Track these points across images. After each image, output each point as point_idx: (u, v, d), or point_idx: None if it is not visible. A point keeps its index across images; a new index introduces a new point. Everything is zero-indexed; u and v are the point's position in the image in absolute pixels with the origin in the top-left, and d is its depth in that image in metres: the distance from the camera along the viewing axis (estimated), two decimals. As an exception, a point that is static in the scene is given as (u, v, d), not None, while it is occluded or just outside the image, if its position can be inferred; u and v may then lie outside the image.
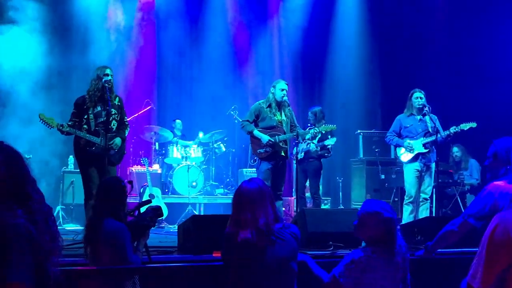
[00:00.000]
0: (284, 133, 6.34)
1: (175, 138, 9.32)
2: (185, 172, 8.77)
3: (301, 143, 7.17)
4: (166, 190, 8.90)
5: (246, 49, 10.75)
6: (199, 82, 10.66)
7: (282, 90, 6.36)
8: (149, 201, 4.07)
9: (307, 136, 6.94)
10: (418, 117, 6.50)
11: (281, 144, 6.30)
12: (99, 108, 5.36)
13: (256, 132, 6.36)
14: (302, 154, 7.31)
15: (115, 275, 3.18)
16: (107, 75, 5.37)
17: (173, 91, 10.62)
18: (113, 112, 5.38)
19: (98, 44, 9.18)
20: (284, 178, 6.53)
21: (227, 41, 10.73)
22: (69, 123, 5.31)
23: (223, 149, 9.52)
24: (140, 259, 3.45)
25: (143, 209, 3.78)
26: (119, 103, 5.52)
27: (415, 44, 10.52)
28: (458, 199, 8.32)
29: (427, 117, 6.37)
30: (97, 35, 9.24)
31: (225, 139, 9.70)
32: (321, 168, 7.63)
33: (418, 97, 6.47)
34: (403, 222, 6.29)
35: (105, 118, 5.33)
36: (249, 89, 10.72)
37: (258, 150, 6.35)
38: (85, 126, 5.31)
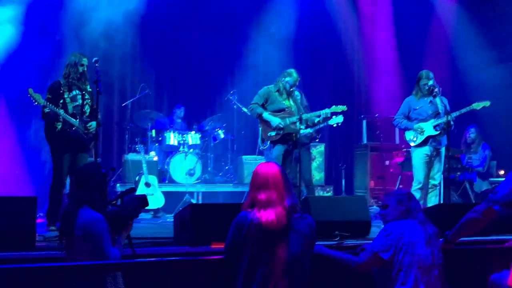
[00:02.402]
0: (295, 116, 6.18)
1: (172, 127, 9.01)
2: (182, 159, 8.44)
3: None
4: (163, 179, 8.57)
5: (246, 33, 10.35)
6: (197, 66, 10.28)
7: (293, 85, 6.27)
8: (133, 189, 3.72)
9: (316, 120, 6.59)
10: (428, 99, 6.14)
11: (292, 126, 6.11)
12: (74, 92, 5.39)
13: (265, 115, 6.19)
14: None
15: (90, 271, 2.87)
16: (83, 65, 5.43)
17: (170, 76, 10.22)
18: (86, 97, 5.45)
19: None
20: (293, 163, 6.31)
21: (226, 25, 10.36)
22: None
23: (222, 135, 9.19)
24: (120, 253, 3.12)
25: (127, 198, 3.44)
26: (91, 90, 5.55)
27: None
28: (467, 185, 8.01)
29: (437, 99, 6.02)
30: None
31: (224, 125, 9.37)
32: (311, 152, 7.61)
33: (425, 83, 6.11)
34: (412, 209, 5.97)
35: (80, 102, 5.37)
36: (248, 74, 10.37)
37: (269, 133, 6.17)
38: (61, 110, 5.26)
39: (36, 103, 5.20)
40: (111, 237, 3.05)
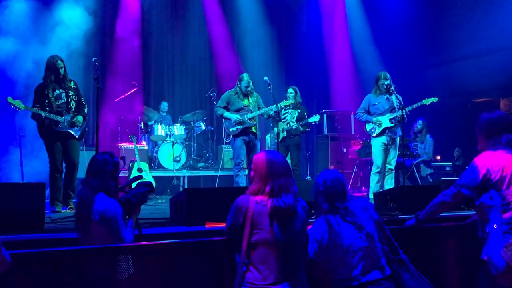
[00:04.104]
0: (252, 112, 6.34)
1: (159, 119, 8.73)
2: (169, 148, 8.25)
3: (281, 122, 6.97)
4: (153, 165, 8.31)
5: (225, 35, 10.10)
6: (181, 67, 10.00)
7: (246, 87, 6.33)
8: (139, 177, 3.49)
9: (271, 113, 6.52)
10: (385, 96, 6.10)
11: (249, 121, 6.25)
12: (57, 92, 5.15)
13: (226, 114, 6.36)
14: (285, 132, 7.12)
15: (109, 253, 2.66)
16: (60, 67, 5.14)
17: (157, 74, 9.89)
18: (70, 94, 5.23)
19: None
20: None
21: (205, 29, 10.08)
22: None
23: (203, 127, 8.98)
24: (132, 235, 2.91)
25: (134, 185, 3.22)
26: (74, 86, 5.33)
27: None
28: (414, 169, 8.04)
29: (393, 96, 5.98)
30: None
31: (205, 118, 9.15)
32: (301, 143, 7.56)
33: (383, 83, 6.05)
34: (373, 190, 5.94)
35: (65, 100, 5.17)
36: (227, 74, 10.15)
37: (230, 129, 6.31)
38: (47, 108, 5.08)
39: (18, 110, 5.04)
40: (124, 221, 2.84)
